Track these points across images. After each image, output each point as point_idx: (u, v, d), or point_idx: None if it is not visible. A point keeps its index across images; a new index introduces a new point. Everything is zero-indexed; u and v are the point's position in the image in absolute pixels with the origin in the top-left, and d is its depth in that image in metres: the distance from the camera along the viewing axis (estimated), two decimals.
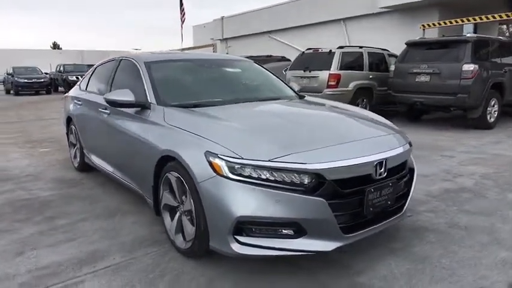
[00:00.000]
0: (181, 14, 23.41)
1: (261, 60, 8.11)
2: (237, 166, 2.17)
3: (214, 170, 2.21)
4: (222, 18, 23.94)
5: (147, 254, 2.66)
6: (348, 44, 14.22)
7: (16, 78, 21.44)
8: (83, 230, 3.08)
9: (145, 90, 3.16)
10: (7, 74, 23.37)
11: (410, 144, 2.88)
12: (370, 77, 9.24)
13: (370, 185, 2.38)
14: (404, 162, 2.72)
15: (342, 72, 8.71)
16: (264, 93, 3.75)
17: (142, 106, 3.07)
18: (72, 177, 4.62)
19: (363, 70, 9.20)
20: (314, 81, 8.95)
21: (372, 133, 2.75)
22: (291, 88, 3.99)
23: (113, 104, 3.09)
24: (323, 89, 8.69)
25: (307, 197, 2.16)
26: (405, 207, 2.71)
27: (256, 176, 2.15)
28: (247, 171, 2.16)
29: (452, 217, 3.19)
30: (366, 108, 8.80)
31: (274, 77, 4.13)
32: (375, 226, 2.48)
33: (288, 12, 18.53)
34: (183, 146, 2.50)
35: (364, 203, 2.34)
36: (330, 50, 8.92)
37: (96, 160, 4.13)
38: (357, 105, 8.35)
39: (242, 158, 2.18)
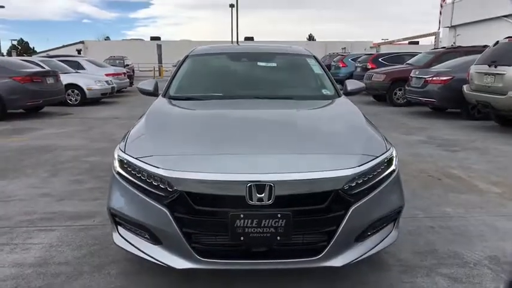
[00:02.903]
0: None
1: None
2: (122, 160, 2.22)
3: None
4: (453, 1, 20.56)
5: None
6: None
7: None
8: None
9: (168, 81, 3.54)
10: None
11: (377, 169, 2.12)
12: None
13: (238, 209, 1.93)
14: (328, 192, 1.99)
15: None
16: (284, 91, 3.39)
17: (154, 95, 3.48)
18: None
19: None
20: (499, 79, 6.71)
21: (300, 149, 2.20)
22: (334, 88, 3.41)
23: (141, 91, 3.63)
24: (508, 90, 6.42)
25: (153, 203, 2.00)
26: (325, 251, 2.00)
27: (130, 173, 2.14)
28: (127, 168, 2.19)
29: None
30: None
31: (320, 75, 3.62)
32: (254, 261, 2.00)
33: None
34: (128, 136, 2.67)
35: (229, 229, 1.93)
36: None
37: None
38: None
39: (124, 152, 2.24)
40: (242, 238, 1.95)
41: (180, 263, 2.02)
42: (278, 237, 1.96)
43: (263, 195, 1.93)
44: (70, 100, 11.28)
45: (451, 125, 7.88)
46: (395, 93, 11.21)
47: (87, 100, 11.41)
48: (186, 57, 3.80)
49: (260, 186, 1.93)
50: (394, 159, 2.33)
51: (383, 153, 2.25)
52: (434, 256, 2.60)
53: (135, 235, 2.19)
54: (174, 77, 3.52)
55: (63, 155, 5.44)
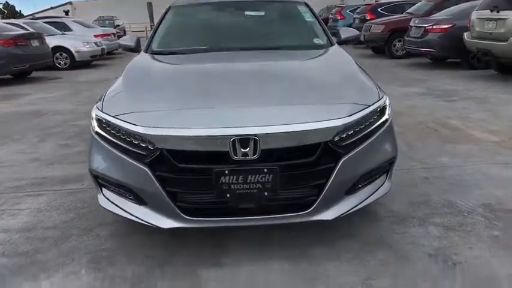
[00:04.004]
0: None
1: None
2: (100, 120, 2.11)
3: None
4: None
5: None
6: None
7: None
8: None
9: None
10: None
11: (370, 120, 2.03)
12: None
13: (222, 166, 1.85)
14: (317, 145, 1.90)
15: None
16: (273, 41, 3.19)
17: (136, 51, 3.29)
18: None
19: None
20: (501, 25, 6.43)
21: (287, 100, 2.09)
22: (327, 36, 3.22)
23: (122, 47, 3.43)
24: (510, 36, 6.16)
25: (134, 163, 1.91)
26: (314, 205, 1.95)
27: (110, 133, 2.04)
28: (105, 127, 2.08)
29: None
30: None
31: (312, 23, 3.40)
32: (241, 218, 1.95)
33: None
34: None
35: (214, 186, 1.87)
36: None
37: None
38: None
39: (101, 111, 2.12)
40: (228, 195, 1.89)
41: (166, 223, 1.98)
42: (265, 193, 1.90)
43: (248, 149, 1.84)
44: (59, 64, 10.94)
45: (451, 76, 7.66)
46: (395, 45, 10.83)
47: (77, 63, 11.05)
48: (169, 8, 3.57)
49: (244, 141, 1.83)
50: (387, 108, 2.22)
51: (375, 102, 2.14)
52: (427, 206, 2.56)
53: (119, 196, 2.13)
54: (156, 31, 3.32)
55: (52, 119, 5.32)
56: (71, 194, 2.90)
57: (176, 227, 1.96)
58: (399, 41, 10.62)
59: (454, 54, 8.62)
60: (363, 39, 11.83)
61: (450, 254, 2.05)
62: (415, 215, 2.46)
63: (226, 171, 1.86)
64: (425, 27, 8.62)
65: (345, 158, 1.95)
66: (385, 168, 2.24)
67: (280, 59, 2.82)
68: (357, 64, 2.69)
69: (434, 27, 8.42)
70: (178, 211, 1.93)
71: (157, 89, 2.31)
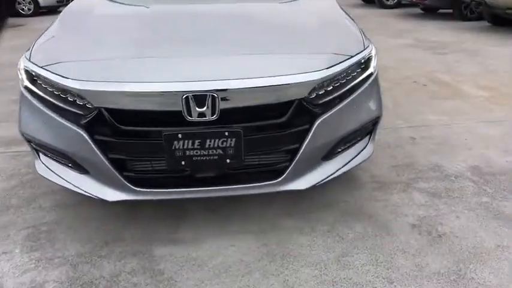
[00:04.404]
0: None
1: None
2: (29, 71, 1.73)
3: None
4: None
5: None
6: None
7: None
8: None
9: None
10: None
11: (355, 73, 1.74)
12: None
13: (174, 128, 1.55)
14: (289, 103, 1.60)
15: None
16: None
17: None
18: None
19: None
20: None
21: (255, 49, 1.75)
22: None
23: None
24: None
25: (68, 125, 1.58)
26: (286, 173, 1.69)
27: (41, 88, 1.68)
28: (36, 80, 1.71)
29: None
30: None
31: None
32: (201, 189, 1.69)
33: None
34: None
35: (166, 152, 1.59)
36: None
37: None
38: None
39: (29, 61, 1.75)
40: (183, 163, 1.60)
41: (112, 195, 1.70)
42: (227, 160, 1.62)
43: (204, 108, 1.53)
44: (22, 10, 10.02)
45: (442, 27, 7.27)
46: None
47: (42, 9, 10.16)
48: None
49: (200, 98, 1.52)
50: (373, 59, 1.91)
51: (359, 53, 1.82)
52: (412, 170, 2.34)
53: (58, 163, 1.82)
54: None
55: (7, 72, 4.81)
56: (15, 158, 2.56)
57: (123, 200, 1.69)
58: None
59: (446, 4, 8.17)
60: None
61: (435, 224, 1.85)
62: (399, 180, 2.24)
63: (180, 135, 1.55)
64: None
65: (322, 119, 1.66)
66: (368, 129, 1.97)
67: (254, 1, 2.42)
68: (342, 9, 2.33)
69: None
70: (125, 181, 1.65)
71: (99, 33, 1.92)
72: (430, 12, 8.98)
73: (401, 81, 4.04)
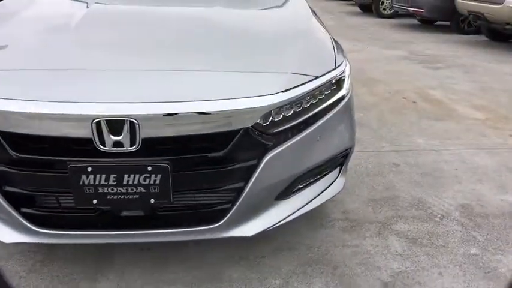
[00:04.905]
0: None
1: None
2: None
3: None
4: None
5: None
6: None
7: None
8: None
9: None
10: None
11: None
12: None
13: (83, 159, 1.21)
14: (232, 133, 1.27)
15: None
16: None
17: None
18: None
19: None
20: None
21: (197, 63, 1.41)
22: None
23: None
24: None
25: None
26: (227, 216, 1.35)
27: None
28: None
29: None
30: None
31: None
32: (120, 232, 1.34)
33: None
34: None
35: (73, 188, 1.25)
36: None
37: None
38: None
39: None
40: (95, 201, 1.25)
41: (8, 236, 1.34)
42: (152, 200, 1.27)
43: (121, 137, 1.20)
44: None
45: (438, 39, 6.99)
46: (383, 3, 9.98)
47: None
48: None
49: (115, 124, 1.18)
50: (346, 80, 1.58)
51: (328, 72, 1.49)
52: (392, 206, 2.01)
53: None
54: None
55: None
56: None
57: (21, 242, 1.34)
58: None
59: (444, 16, 7.90)
60: None
61: (412, 283, 1.51)
62: (374, 218, 1.91)
63: (89, 168, 1.21)
64: None
65: (275, 152, 1.32)
66: (338, 162, 1.65)
67: (215, 5, 2.07)
68: (318, 21, 2.00)
69: None
70: (23, 220, 1.30)
71: (14, 36, 1.57)
72: (427, 24, 8.73)
73: (390, 97, 3.73)
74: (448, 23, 7.91)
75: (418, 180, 2.26)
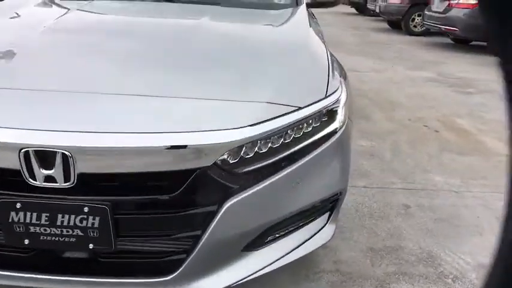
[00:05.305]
0: None
1: None
2: None
3: None
4: None
5: None
6: None
7: None
8: None
9: None
10: None
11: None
12: None
13: (11, 194, 1.03)
14: (186, 172, 1.04)
15: None
16: None
17: None
18: None
19: None
20: None
21: (154, 87, 1.19)
22: None
23: None
24: None
25: None
26: (180, 268, 1.11)
27: None
28: None
29: None
30: None
31: None
32: (53, 277, 1.12)
33: None
34: None
35: (3, 224, 1.04)
36: None
37: None
38: None
39: None
40: (27, 241, 1.07)
41: None
42: (91, 245, 1.07)
43: (53, 171, 1.01)
44: None
45: (472, 61, 6.54)
46: (413, 19, 9.58)
47: None
48: None
49: (45, 155, 0.99)
50: (340, 111, 1.33)
51: (315, 102, 1.24)
52: (395, 258, 1.71)
53: None
54: None
55: None
56: None
57: None
58: (419, 15, 9.35)
59: (480, 36, 7.42)
60: (378, 11, 10.60)
61: None
62: (372, 273, 1.62)
63: (18, 205, 1.03)
64: (449, 1, 7.39)
65: (240, 197, 1.09)
66: (325, 207, 1.39)
67: (203, 16, 1.86)
68: (317, 36, 1.77)
69: (459, 1, 7.19)
70: None
71: None
72: (461, 44, 8.25)
73: (410, 124, 3.40)
74: (484, 43, 7.44)
75: (430, 227, 1.95)
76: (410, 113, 3.70)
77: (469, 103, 4.13)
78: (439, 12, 7.64)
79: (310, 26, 1.88)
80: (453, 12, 7.28)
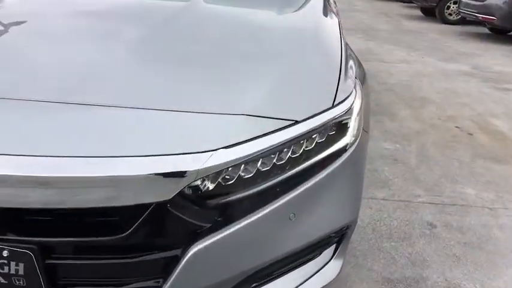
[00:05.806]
0: None
1: None
2: None
3: None
4: None
5: None
6: None
7: None
8: None
9: None
10: None
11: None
12: None
13: None
14: (140, 207, 0.80)
15: None
16: None
17: None
18: None
19: None
20: None
21: (123, 100, 0.94)
22: None
23: None
24: None
25: None
26: None
27: None
28: None
29: None
30: None
31: None
32: None
33: None
34: None
35: None
36: None
37: None
38: None
39: None
40: None
41: None
42: None
43: None
44: None
45: (510, 54, 6.00)
46: (448, 7, 8.94)
47: None
48: None
49: None
50: (352, 124, 1.07)
51: (319, 113, 0.97)
52: None
53: None
54: None
55: None
56: None
57: None
58: (455, 2, 8.71)
59: None
60: None
61: None
62: None
63: None
64: None
65: (210, 241, 0.85)
66: (331, 241, 1.14)
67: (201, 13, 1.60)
68: (333, 27, 1.49)
69: None
70: None
71: None
72: (499, 34, 7.62)
73: (440, 124, 3.07)
74: None
75: (458, 253, 1.67)
76: (441, 111, 3.35)
77: (506, 101, 3.72)
78: (476, 0, 7.06)
79: (326, 15, 1.61)
80: (492, 0, 6.69)
